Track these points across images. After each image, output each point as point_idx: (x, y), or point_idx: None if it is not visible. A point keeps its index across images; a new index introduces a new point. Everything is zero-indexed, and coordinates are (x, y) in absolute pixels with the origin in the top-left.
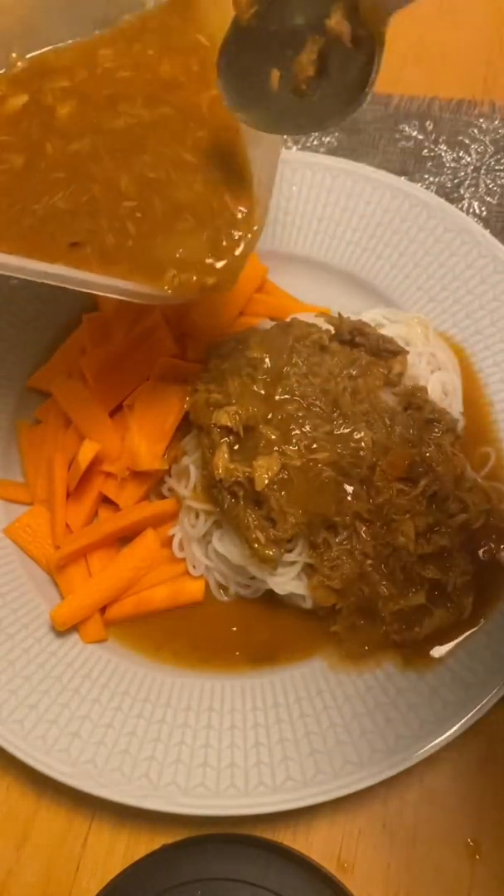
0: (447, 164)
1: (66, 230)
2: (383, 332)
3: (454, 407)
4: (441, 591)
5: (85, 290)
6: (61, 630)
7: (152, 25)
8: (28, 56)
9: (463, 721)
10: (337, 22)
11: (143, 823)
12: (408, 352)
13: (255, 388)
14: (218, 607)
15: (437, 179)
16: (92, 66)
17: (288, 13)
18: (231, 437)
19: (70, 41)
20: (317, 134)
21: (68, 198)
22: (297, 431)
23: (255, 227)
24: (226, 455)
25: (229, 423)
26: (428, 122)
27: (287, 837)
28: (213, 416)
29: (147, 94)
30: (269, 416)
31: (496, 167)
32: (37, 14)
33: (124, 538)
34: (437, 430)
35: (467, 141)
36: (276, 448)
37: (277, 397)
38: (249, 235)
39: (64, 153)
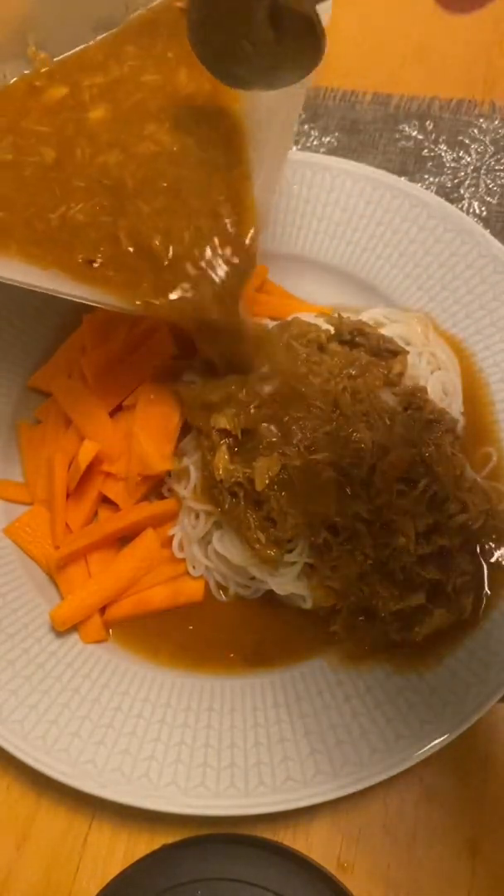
0: (447, 164)
1: (83, 244)
2: (383, 331)
3: (454, 407)
4: (441, 591)
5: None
6: (61, 630)
7: (165, 19)
8: (58, 57)
9: (463, 721)
10: None
11: (143, 823)
12: (408, 352)
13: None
14: (218, 607)
15: (437, 179)
16: (120, 63)
17: None
18: (230, 439)
19: (97, 38)
20: (317, 134)
21: (87, 211)
22: (298, 432)
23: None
24: (226, 456)
25: (228, 427)
26: (428, 122)
27: (287, 837)
28: (211, 419)
29: (171, 115)
30: (268, 418)
31: (496, 167)
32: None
33: (124, 538)
34: (437, 430)
35: (467, 141)
36: (276, 450)
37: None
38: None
39: (91, 163)
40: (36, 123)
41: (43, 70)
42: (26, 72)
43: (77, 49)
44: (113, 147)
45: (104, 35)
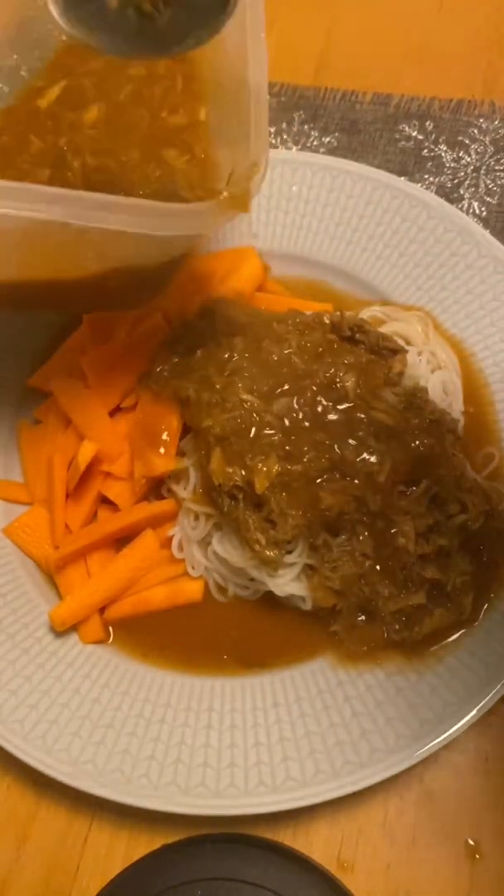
0: (447, 164)
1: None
2: (383, 329)
3: (455, 407)
4: (441, 590)
5: (95, 225)
6: (60, 630)
7: None
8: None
9: (463, 721)
10: None
11: (143, 823)
12: (407, 350)
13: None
14: (217, 608)
15: (437, 179)
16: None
17: None
18: (226, 442)
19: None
20: (317, 134)
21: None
22: (296, 434)
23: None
24: (222, 460)
25: (219, 432)
26: (428, 122)
27: (287, 837)
28: (203, 420)
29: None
30: (266, 418)
31: (496, 167)
32: None
33: (124, 539)
34: (438, 430)
35: (467, 141)
36: (275, 451)
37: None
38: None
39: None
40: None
41: None
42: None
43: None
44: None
45: None
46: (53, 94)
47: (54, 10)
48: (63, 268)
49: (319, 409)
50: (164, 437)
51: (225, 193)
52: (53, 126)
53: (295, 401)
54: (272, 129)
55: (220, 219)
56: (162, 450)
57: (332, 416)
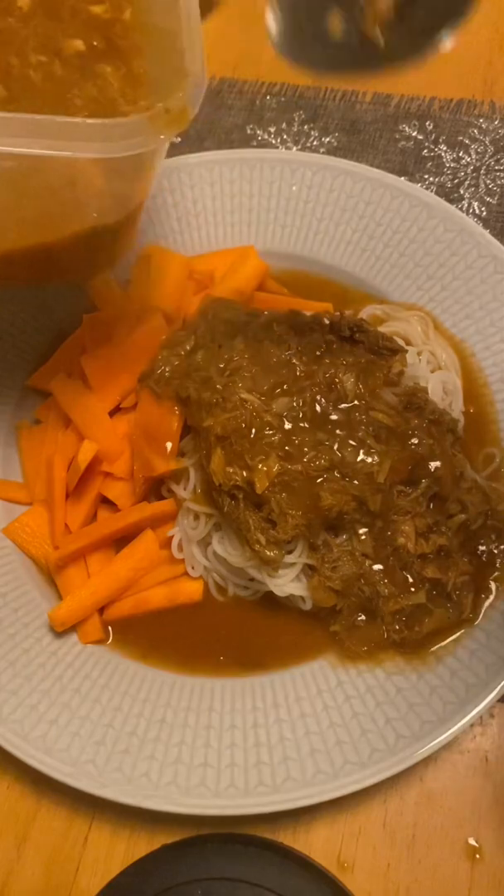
0: (447, 165)
1: None
2: (383, 329)
3: (455, 407)
4: (441, 590)
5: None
6: (59, 631)
7: None
8: None
9: (463, 721)
10: None
11: (143, 823)
12: (407, 350)
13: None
14: (217, 608)
15: (437, 179)
16: None
17: None
18: (227, 441)
19: None
20: (317, 134)
21: None
22: (296, 434)
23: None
24: (222, 460)
25: (220, 432)
26: (428, 122)
27: (287, 837)
28: (204, 420)
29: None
30: (266, 418)
31: (496, 167)
32: None
33: (123, 539)
34: (437, 430)
35: (467, 141)
36: (275, 451)
37: (274, 398)
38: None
39: None
40: None
41: None
42: None
43: None
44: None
45: None
46: None
47: (274, 40)
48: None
49: (319, 409)
50: (164, 437)
51: (160, 104)
52: None
53: (295, 401)
54: (272, 129)
55: (158, 135)
56: (162, 450)
57: (331, 417)
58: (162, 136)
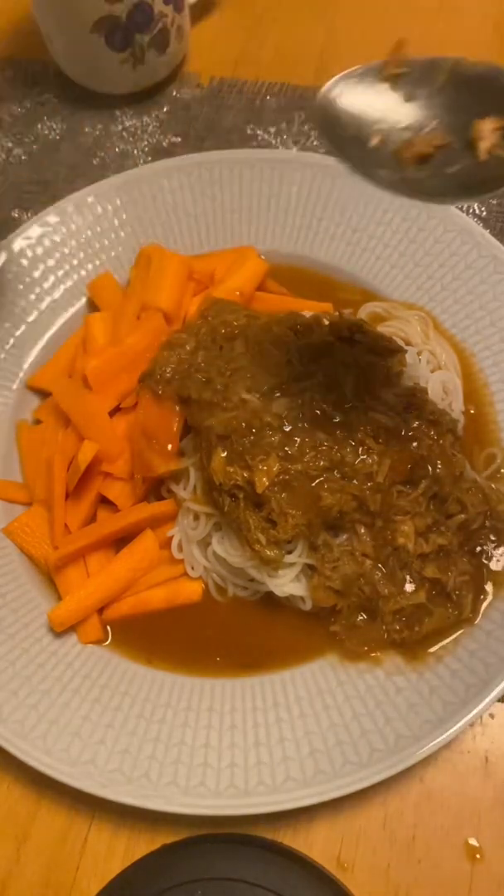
0: None
1: None
2: (383, 327)
3: (454, 407)
4: (441, 590)
5: None
6: (59, 631)
7: None
8: None
9: (463, 721)
10: (489, 130)
11: (143, 823)
12: (406, 351)
13: (249, 394)
14: (217, 609)
15: None
16: None
17: (438, 97)
18: (227, 441)
19: None
20: (317, 133)
21: None
22: (296, 435)
23: None
24: (223, 459)
25: (221, 432)
26: None
27: (287, 837)
28: (205, 420)
29: None
30: (266, 418)
31: None
32: None
33: (123, 539)
34: (437, 430)
35: None
36: (275, 451)
37: (274, 399)
38: None
39: None
40: None
41: None
42: None
43: None
44: None
45: None
46: None
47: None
48: None
49: (319, 409)
50: (164, 437)
51: None
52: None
53: (294, 401)
54: (272, 129)
55: None
56: (162, 450)
57: (331, 417)
58: None
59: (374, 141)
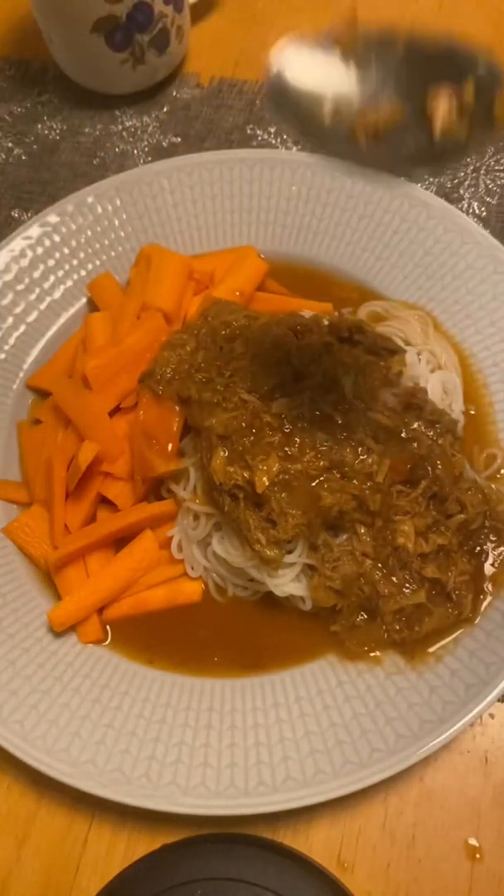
0: None
1: None
2: (383, 327)
3: (454, 407)
4: (441, 590)
5: None
6: (59, 631)
7: None
8: None
9: (463, 721)
10: (443, 104)
11: (143, 823)
12: (406, 351)
13: (249, 394)
14: (216, 609)
15: (437, 179)
16: None
17: (391, 68)
18: (228, 441)
19: None
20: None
21: None
22: (296, 435)
23: None
24: (223, 459)
25: (222, 432)
26: None
27: (287, 837)
28: (205, 420)
29: None
30: (266, 418)
31: (496, 167)
32: None
33: (123, 539)
34: (436, 431)
35: None
36: (275, 451)
37: (274, 399)
38: None
39: None
40: None
41: None
42: None
43: None
44: None
45: None
46: None
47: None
48: None
49: (319, 409)
50: (164, 437)
51: None
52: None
53: (294, 401)
54: (272, 129)
55: None
56: (162, 450)
57: (331, 417)
58: None
59: (327, 114)
